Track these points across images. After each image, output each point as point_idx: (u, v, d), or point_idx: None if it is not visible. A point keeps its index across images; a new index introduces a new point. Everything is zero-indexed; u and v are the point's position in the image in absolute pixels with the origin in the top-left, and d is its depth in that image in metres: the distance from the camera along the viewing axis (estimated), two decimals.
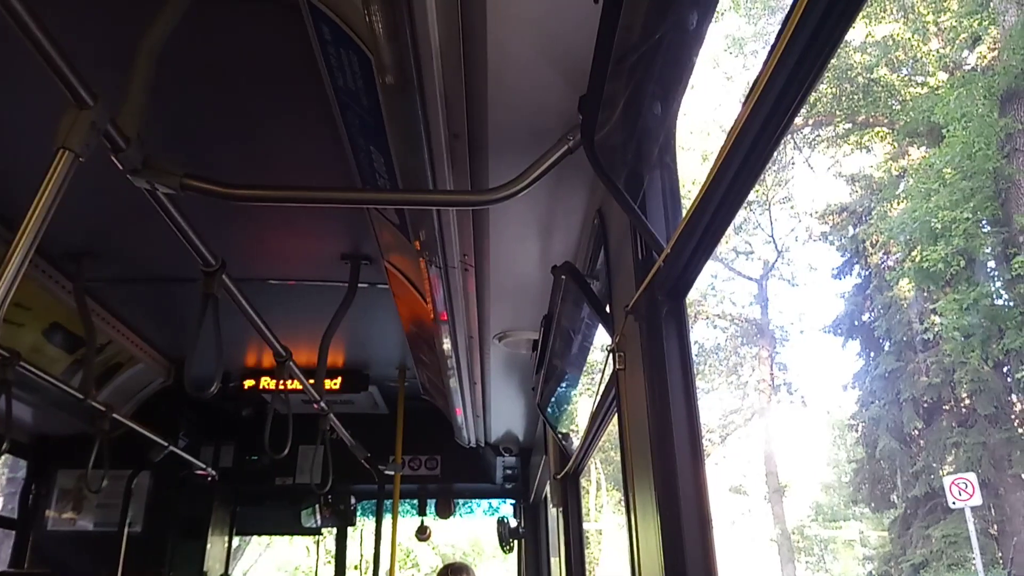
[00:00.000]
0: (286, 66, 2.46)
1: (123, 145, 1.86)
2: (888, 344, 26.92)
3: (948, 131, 21.62)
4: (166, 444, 5.26)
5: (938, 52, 25.96)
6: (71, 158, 1.64)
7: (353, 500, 6.87)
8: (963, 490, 18.16)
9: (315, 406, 4.32)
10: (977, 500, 18.26)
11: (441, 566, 5.87)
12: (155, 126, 1.99)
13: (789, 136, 29.17)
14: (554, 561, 6.00)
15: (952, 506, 19.08)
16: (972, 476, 18.66)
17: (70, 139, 1.64)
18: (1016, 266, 20.37)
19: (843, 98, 27.84)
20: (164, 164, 2.02)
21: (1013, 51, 20.58)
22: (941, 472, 23.59)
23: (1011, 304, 21.93)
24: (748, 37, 31.94)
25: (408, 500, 7.22)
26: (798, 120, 25.74)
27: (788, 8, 1.05)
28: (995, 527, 22.49)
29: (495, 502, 7.67)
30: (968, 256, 21.96)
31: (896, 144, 27.48)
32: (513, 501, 7.40)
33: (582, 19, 1.82)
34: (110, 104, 1.74)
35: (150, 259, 3.95)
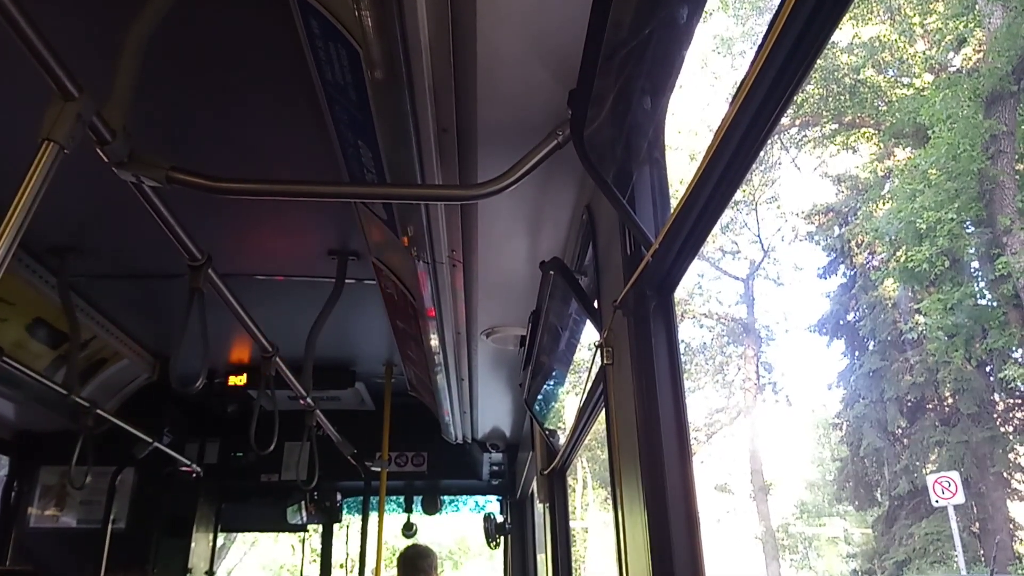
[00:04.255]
0: (274, 60, 2.45)
1: (109, 137, 1.85)
2: (873, 343, 27.13)
3: (933, 132, 21.75)
4: (150, 440, 5.23)
5: (924, 54, 26.13)
6: (56, 150, 1.62)
7: (339, 497, 6.85)
8: (946, 488, 18.30)
9: (301, 402, 4.31)
10: (960, 498, 18.40)
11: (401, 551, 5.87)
12: (141, 119, 1.98)
13: (776, 136, 29.31)
14: (540, 557, 6.01)
15: (935, 504, 19.23)
16: (955, 474, 18.81)
17: (55, 131, 1.62)
18: (1000, 266, 20.53)
19: (830, 99, 28.00)
20: (150, 157, 2.00)
21: (998, 53, 20.70)
22: (924, 470, 23.79)
23: (994, 304, 22.11)
24: (736, 37, 32.06)
25: (394, 497, 7.21)
26: (785, 120, 25.83)
27: (775, 8, 1.05)
28: (977, 525, 22.69)
29: (482, 499, 7.66)
30: (952, 256, 22.13)
31: (882, 145, 27.65)
32: (500, 497, 7.40)
33: (572, 14, 1.82)
34: (96, 96, 1.72)
35: (135, 254, 3.92)
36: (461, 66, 2.08)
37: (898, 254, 23.14)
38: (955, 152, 21.03)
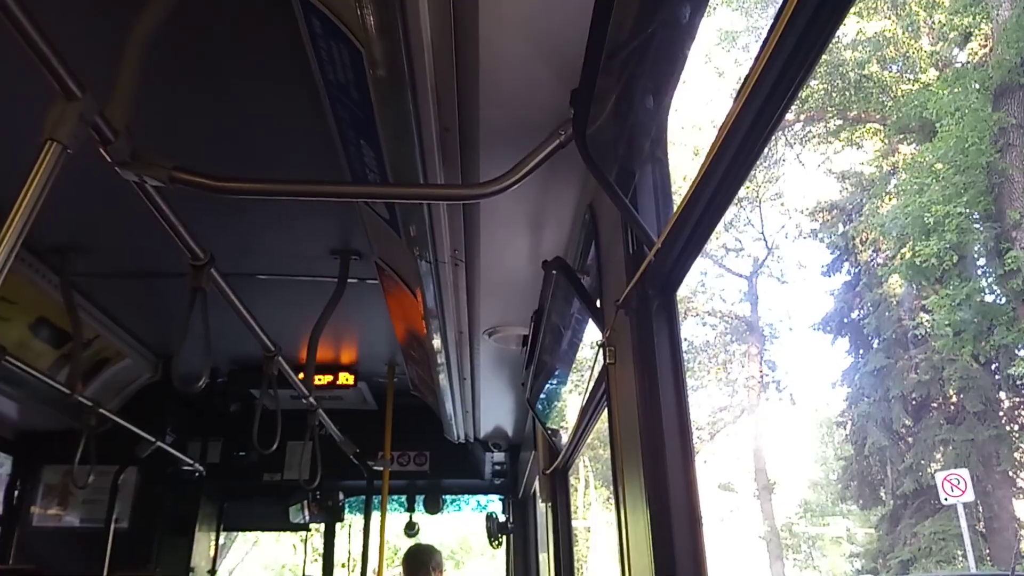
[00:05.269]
0: (276, 59, 2.45)
1: (111, 137, 1.85)
2: (877, 341, 27.02)
3: (941, 125, 21.59)
4: (153, 440, 5.23)
5: (930, 49, 26.03)
6: (59, 150, 1.62)
7: (341, 496, 6.84)
8: (955, 486, 18.20)
9: (304, 402, 4.31)
10: (969, 496, 18.29)
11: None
12: (144, 119, 1.98)
13: (780, 132, 29.22)
14: (542, 557, 6.01)
15: (944, 502, 19.12)
16: (964, 472, 18.70)
17: (58, 131, 1.62)
18: (1009, 261, 20.38)
19: (835, 94, 27.88)
20: (152, 157, 2.00)
21: (1007, 45, 20.52)
22: (929, 469, 23.72)
23: (1002, 300, 21.97)
24: (741, 31, 31.94)
25: (397, 496, 7.21)
26: (789, 116, 25.74)
27: (780, 3, 1.05)
28: (982, 524, 22.61)
29: (484, 498, 7.66)
30: (960, 251, 21.96)
31: (887, 140, 27.52)
32: (502, 497, 7.40)
33: (574, 13, 1.82)
34: (99, 96, 1.72)
35: (138, 253, 3.93)
36: (463, 65, 2.08)
37: (904, 249, 23.01)
38: (963, 145, 20.89)
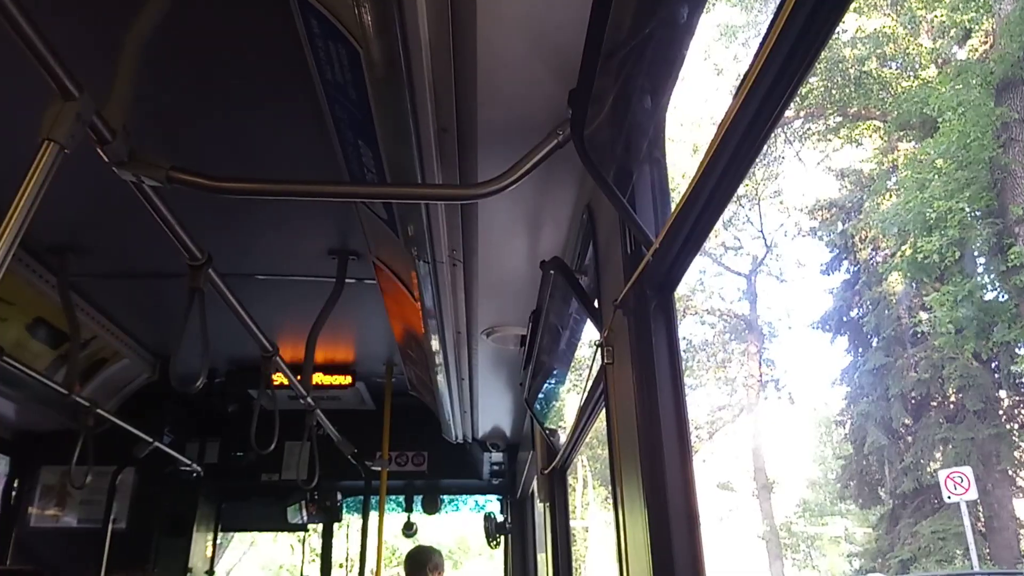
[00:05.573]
0: (274, 59, 2.45)
1: (109, 137, 1.85)
2: (876, 340, 27.03)
3: (943, 120, 21.48)
4: (151, 440, 5.23)
5: (930, 45, 25.98)
6: (56, 150, 1.62)
7: (339, 496, 6.84)
8: (958, 484, 18.18)
9: (302, 402, 4.30)
10: (973, 494, 18.26)
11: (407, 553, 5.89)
12: (141, 118, 1.98)
13: (780, 130, 29.19)
14: (541, 557, 6.01)
15: (947, 500, 19.09)
16: (967, 470, 18.68)
17: (55, 131, 1.62)
18: (1012, 257, 20.30)
19: (834, 91, 27.83)
20: (150, 157, 2.00)
21: (1010, 38, 20.40)
22: (929, 468, 23.72)
23: (1004, 297, 21.89)
24: (740, 26, 31.83)
25: (394, 496, 7.21)
26: (789, 113, 25.69)
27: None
28: (982, 523, 22.61)
29: (482, 498, 7.66)
30: (962, 248, 21.86)
31: (887, 137, 27.45)
32: (500, 497, 7.40)
33: (572, 13, 1.81)
34: (96, 96, 1.72)
35: (135, 253, 3.92)
36: (461, 65, 2.08)
37: (905, 246, 22.93)
38: (965, 141, 20.77)
